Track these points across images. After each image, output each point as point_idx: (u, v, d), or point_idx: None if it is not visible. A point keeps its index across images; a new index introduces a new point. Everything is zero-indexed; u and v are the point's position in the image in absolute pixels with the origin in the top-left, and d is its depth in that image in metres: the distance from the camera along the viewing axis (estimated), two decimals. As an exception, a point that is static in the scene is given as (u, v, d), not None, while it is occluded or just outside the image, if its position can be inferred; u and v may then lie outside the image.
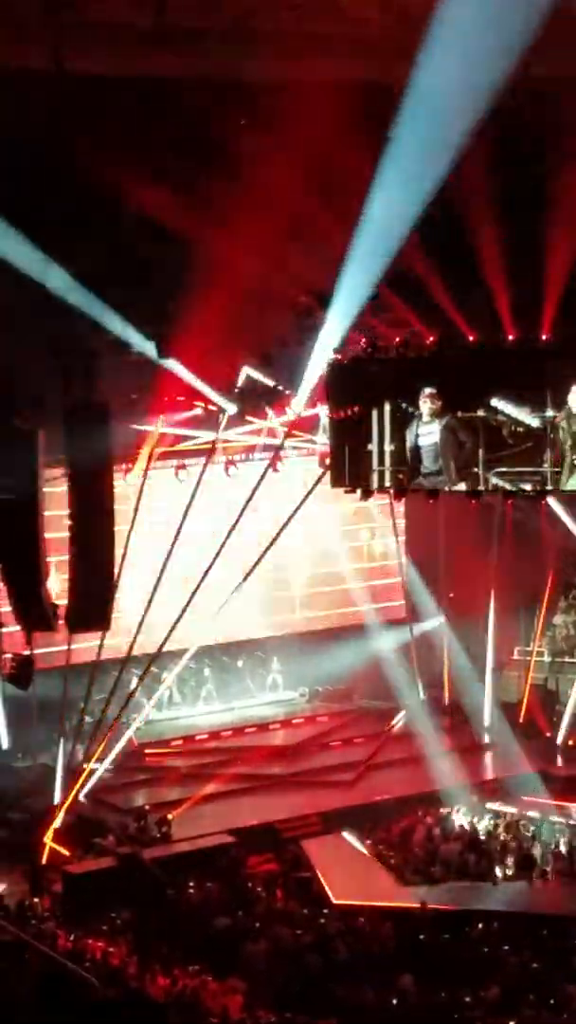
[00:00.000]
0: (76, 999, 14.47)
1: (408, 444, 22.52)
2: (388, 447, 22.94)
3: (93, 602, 22.93)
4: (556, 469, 22.17)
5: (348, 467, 24.38)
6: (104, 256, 22.12)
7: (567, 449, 21.64)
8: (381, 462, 23.02)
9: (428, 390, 22.22)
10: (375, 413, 23.01)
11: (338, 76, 20.65)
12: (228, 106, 21.37)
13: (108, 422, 22.84)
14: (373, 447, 22.96)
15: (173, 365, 23.64)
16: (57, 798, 23.35)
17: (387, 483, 23.31)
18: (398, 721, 27.49)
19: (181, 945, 18.14)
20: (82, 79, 20.47)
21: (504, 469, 22.44)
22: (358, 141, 20.12)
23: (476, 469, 22.23)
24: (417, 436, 22.34)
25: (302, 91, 20.20)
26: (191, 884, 20.46)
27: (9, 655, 22.87)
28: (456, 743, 26.87)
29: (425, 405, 22.25)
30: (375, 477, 23.27)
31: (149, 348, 23.16)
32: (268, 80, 21.34)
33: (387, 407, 22.93)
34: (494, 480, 22.47)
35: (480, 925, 18.95)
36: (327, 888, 20.60)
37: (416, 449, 22.36)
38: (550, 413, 21.58)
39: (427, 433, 22.31)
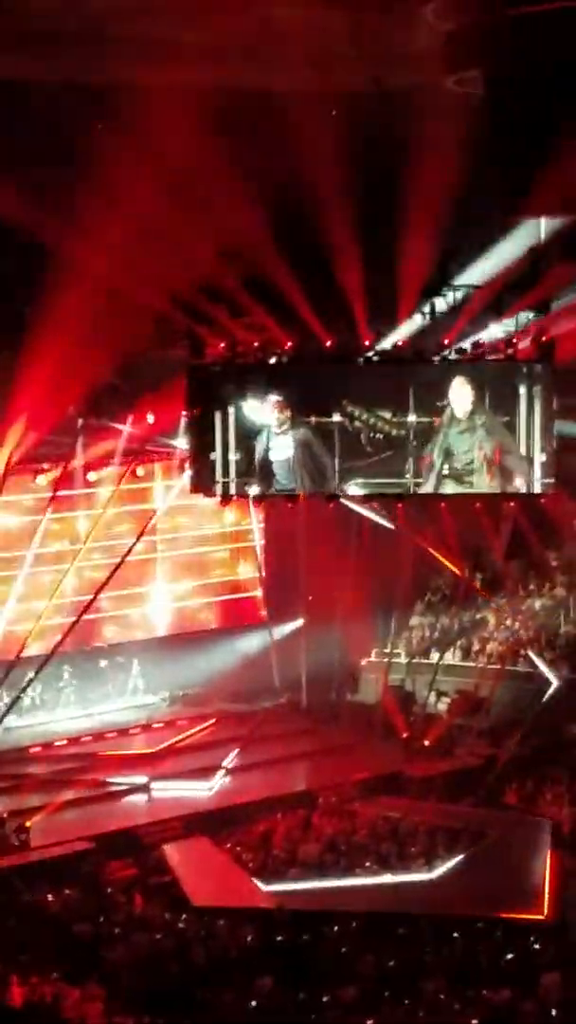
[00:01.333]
0: None
1: (258, 456, 22.48)
2: (233, 456, 22.95)
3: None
4: (417, 480, 22.37)
5: (207, 472, 24.40)
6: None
7: (438, 458, 21.79)
8: (226, 473, 23.00)
9: (274, 398, 22.21)
10: (219, 420, 22.99)
11: (192, 80, 20.64)
12: (83, 109, 21.23)
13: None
14: (217, 456, 22.93)
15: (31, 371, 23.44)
16: None
17: (232, 493, 23.38)
18: (258, 724, 27.44)
19: (40, 953, 17.93)
20: None
21: (362, 480, 22.59)
22: (212, 145, 20.10)
23: (332, 481, 22.35)
24: (268, 449, 22.31)
25: (157, 95, 20.16)
26: (49, 891, 20.24)
27: None
28: (315, 745, 26.95)
29: (273, 415, 22.23)
30: (219, 488, 23.24)
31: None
32: (123, 83, 21.26)
33: (232, 414, 22.94)
34: (351, 491, 22.64)
35: (338, 925, 18.98)
36: (186, 892, 20.51)
37: (267, 463, 22.35)
38: (413, 418, 21.73)
39: (279, 447, 22.29)
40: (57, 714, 27.86)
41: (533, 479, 23.10)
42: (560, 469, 23.34)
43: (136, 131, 19.92)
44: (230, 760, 25.66)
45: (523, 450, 22.91)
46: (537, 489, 23.37)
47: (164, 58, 20.84)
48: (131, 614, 28.83)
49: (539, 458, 23.00)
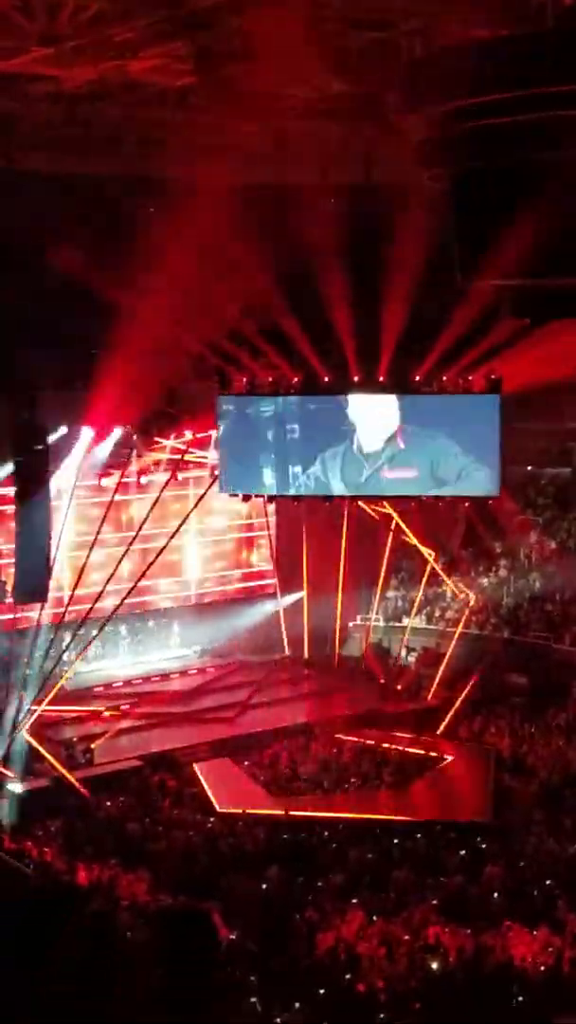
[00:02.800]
0: (16, 887, 14.13)
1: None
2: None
3: (34, 579, 22.57)
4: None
5: (232, 477, 24.42)
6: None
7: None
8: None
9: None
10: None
11: (223, 175, 20.63)
12: (138, 197, 21.21)
13: (46, 437, 22.67)
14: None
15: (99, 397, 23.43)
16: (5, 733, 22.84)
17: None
18: (269, 671, 27.35)
19: (100, 845, 17.89)
20: (21, 172, 20.25)
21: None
22: (238, 225, 20.06)
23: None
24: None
25: (196, 186, 20.13)
26: (108, 798, 20.18)
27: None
28: (313, 688, 26.86)
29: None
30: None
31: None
32: (170, 177, 21.27)
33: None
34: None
35: (329, 827, 18.92)
36: (213, 800, 20.44)
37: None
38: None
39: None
40: (115, 662, 27.77)
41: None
42: (505, 477, 23.33)
43: (179, 214, 19.86)
44: (247, 698, 25.56)
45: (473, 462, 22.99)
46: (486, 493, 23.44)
47: (203, 158, 20.84)
48: (172, 586, 28.73)
49: (489, 469, 23.01)
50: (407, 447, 23.43)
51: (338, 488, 24.08)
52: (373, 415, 23.56)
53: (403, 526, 26.31)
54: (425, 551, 26.63)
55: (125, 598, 25.36)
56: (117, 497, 25.64)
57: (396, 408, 23.40)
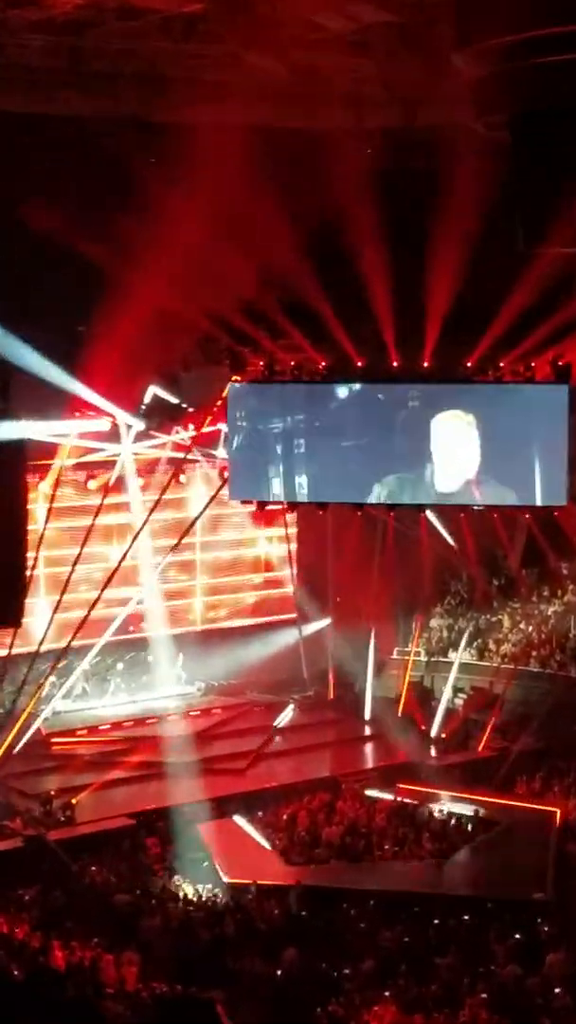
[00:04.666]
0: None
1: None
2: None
3: (4, 601, 22.70)
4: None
5: (245, 480, 24.50)
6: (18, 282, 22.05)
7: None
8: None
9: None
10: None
11: (237, 120, 20.70)
12: (138, 146, 21.32)
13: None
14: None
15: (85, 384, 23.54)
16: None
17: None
18: (286, 715, 27.41)
19: (81, 920, 17.94)
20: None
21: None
22: (255, 179, 20.14)
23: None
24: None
25: (205, 133, 20.21)
26: (92, 863, 20.25)
27: None
28: (339, 734, 26.89)
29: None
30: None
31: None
32: (174, 122, 21.36)
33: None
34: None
35: (358, 902, 18.93)
36: (218, 868, 20.48)
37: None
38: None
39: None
40: (103, 700, 27.88)
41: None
42: (574, 484, 23.34)
43: (186, 165, 19.97)
44: (260, 746, 25.62)
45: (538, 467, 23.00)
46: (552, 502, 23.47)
47: (212, 99, 20.94)
48: (173, 609, 28.82)
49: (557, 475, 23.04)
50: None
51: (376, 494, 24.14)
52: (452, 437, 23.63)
53: (450, 541, 26.35)
54: (477, 572, 26.67)
55: (116, 623, 25.47)
56: (107, 501, 25.78)
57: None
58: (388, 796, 23.32)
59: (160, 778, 24.36)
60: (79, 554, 24.86)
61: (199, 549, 28.75)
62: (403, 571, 27.43)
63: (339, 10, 19.61)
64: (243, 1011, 14.04)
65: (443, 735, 25.98)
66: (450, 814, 22.52)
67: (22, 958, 15.33)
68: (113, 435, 25.81)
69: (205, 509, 26.44)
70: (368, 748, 26.25)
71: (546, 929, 17.84)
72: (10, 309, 21.94)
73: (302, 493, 24.37)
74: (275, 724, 26.71)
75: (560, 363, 22.74)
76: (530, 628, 27.82)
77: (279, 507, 25.96)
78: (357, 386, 24.01)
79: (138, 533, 25.51)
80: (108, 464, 26.18)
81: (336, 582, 27.85)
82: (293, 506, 25.61)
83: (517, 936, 17.52)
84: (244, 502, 25.59)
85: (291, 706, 27.57)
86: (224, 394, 24.52)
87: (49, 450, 25.26)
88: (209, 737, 26.57)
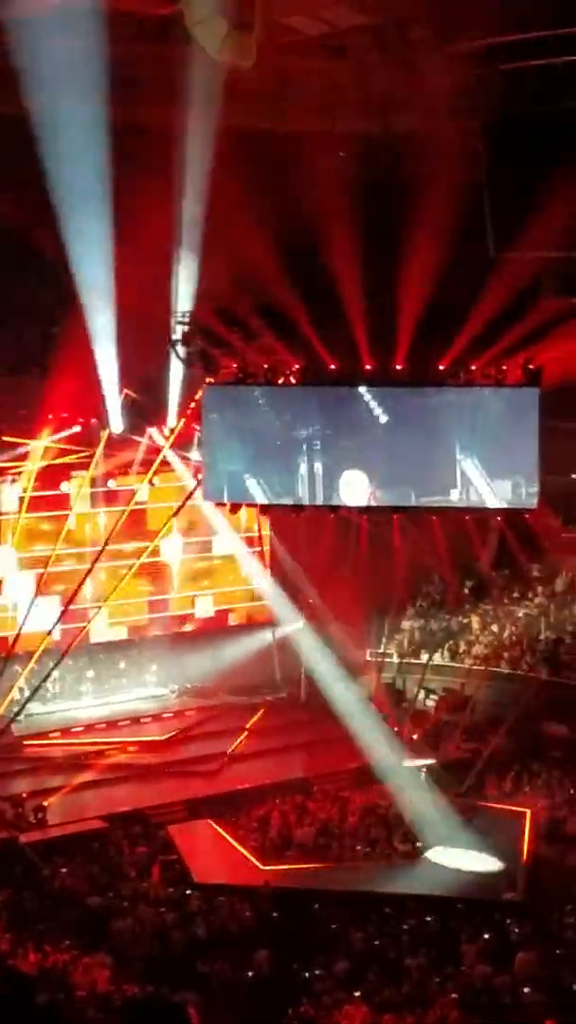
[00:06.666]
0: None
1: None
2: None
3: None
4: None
5: (219, 482, 24.51)
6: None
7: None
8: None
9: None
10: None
11: (216, 125, 20.71)
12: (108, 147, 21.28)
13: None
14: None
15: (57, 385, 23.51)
16: None
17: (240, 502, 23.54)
18: (257, 716, 27.42)
19: (53, 923, 17.92)
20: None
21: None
22: (228, 182, 20.17)
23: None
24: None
25: (182, 137, 20.22)
26: (64, 866, 20.22)
27: None
28: (311, 736, 26.91)
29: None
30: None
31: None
32: (142, 124, 21.32)
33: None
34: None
35: (329, 903, 18.97)
36: (190, 869, 20.49)
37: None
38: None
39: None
40: (76, 703, 27.84)
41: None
42: (545, 487, 23.43)
43: (156, 167, 19.97)
44: (232, 748, 25.63)
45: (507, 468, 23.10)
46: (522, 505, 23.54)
47: (184, 101, 20.92)
48: (145, 612, 28.80)
49: (526, 476, 23.12)
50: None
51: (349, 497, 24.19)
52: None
53: (423, 543, 26.42)
54: (449, 573, 26.74)
55: (88, 625, 25.45)
56: (80, 506, 25.76)
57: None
58: (360, 798, 23.33)
59: (132, 780, 24.39)
60: (51, 556, 24.83)
61: (171, 551, 28.72)
62: (376, 573, 27.48)
63: (314, 14, 19.65)
64: (215, 1013, 14.08)
65: (414, 736, 26.00)
66: (422, 812, 22.57)
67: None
68: (86, 437, 25.78)
69: (178, 511, 26.43)
70: (340, 750, 26.26)
71: (516, 930, 17.93)
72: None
73: (275, 495, 24.40)
74: (246, 726, 26.72)
75: (531, 367, 22.83)
76: (503, 630, 27.89)
77: (252, 509, 25.98)
78: (330, 388, 24.06)
79: (109, 536, 25.48)
80: (81, 466, 26.15)
81: (309, 584, 27.85)
82: (266, 508, 25.62)
83: (487, 936, 17.61)
84: (217, 504, 25.58)
85: (263, 708, 27.61)
86: (197, 396, 24.52)
87: (21, 452, 25.24)
88: (182, 739, 26.57)
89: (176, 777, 24.61)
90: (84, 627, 25.48)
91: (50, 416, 24.98)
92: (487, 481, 23.35)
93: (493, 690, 26.34)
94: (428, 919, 18.29)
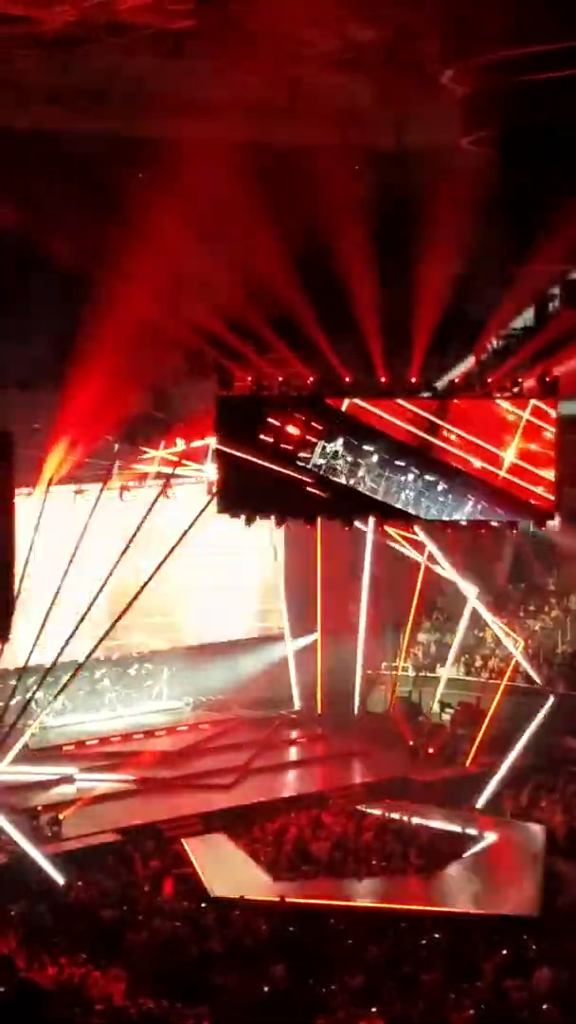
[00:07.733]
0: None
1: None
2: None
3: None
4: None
5: (233, 495, 24.54)
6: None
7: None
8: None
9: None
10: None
11: (224, 135, 20.81)
12: (126, 161, 21.40)
13: (11, 449, 22.67)
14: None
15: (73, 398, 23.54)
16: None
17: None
18: (272, 729, 27.39)
19: (69, 936, 17.91)
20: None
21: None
22: (242, 194, 20.24)
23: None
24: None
25: (191, 148, 20.30)
26: (79, 879, 20.23)
27: None
28: (327, 750, 26.88)
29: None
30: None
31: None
32: (160, 137, 21.45)
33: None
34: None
35: (345, 918, 18.92)
36: (205, 883, 20.46)
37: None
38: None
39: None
40: (90, 716, 27.84)
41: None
42: (561, 500, 23.43)
43: (172, 180, 20.06)
44: (248, 762, 25.60)
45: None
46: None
47: (199, 114, 21.05)
48: (160, 625, 28.80)
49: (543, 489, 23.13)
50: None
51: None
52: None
53: (438, 556, 26.40)
54: (465, 587, 26.70)
55: (103, 638, 25.45)
56: (97, 516, 25.76)
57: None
58: (376, 812, 23.31)
59: (147, 793, 24.37)
60: (67, 568, 24.81)
61: (187, 564, 28.70)
62: (391, 586, 27.49)
63: (327, 28, 19.76)
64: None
65: (430, 750, 25.97)
66: (437, 830, 22.51)
67: (7, 975, 15.34)
68: (101, 449, 25.81)
69: (193, 524, 26.43)
70: (356, 763, 26.24)
71: (533, 946, 17.87)
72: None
73: (291, 507, 24.44)
74: (262, 740, 26.71)
75: (548, 379, 22.79)
76: (518, 643, 27.85)
77: (267, 521, 25.99)
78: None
79: (126, 549, 25.47)
80: (96, 478, 26.16)
81: (324, 597, 27.85)
82: (282, 520, 25.65)
83: (504, 952, 17.55)
84: (232, 517, 25.59)
85: (278, 721, 27.58)
86: (212, 409, 24.56)
87: (36, 464, 25.25)
88: (196, 752, 26.56)
89: (191, 790, 24.56)
90: (98, 640, 25.44)
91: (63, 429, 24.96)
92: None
93: (509, 704, 26.27)
94: (445, 935, 18.23)
